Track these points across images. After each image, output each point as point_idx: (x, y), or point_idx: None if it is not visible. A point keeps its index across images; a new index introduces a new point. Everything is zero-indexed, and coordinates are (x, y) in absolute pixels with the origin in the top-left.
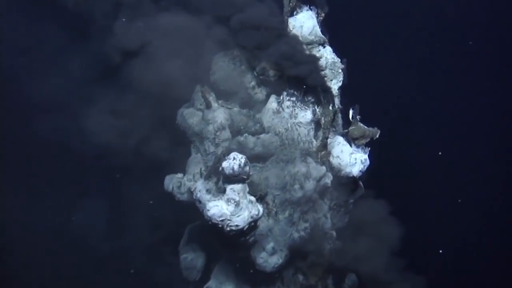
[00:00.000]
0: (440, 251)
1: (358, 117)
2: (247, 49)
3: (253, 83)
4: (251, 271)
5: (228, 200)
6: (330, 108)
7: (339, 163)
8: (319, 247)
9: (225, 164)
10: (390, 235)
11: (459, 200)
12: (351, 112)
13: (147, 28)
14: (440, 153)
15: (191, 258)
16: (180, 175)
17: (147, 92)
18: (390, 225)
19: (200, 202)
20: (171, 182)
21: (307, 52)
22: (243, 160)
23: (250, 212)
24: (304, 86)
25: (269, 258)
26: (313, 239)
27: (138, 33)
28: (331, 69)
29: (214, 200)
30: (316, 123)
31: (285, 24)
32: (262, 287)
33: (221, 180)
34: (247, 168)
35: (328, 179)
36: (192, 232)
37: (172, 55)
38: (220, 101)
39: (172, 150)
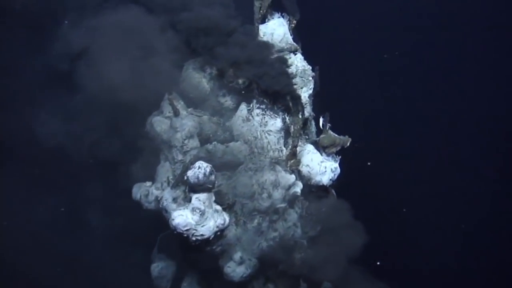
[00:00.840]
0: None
1: (328, 125)
2: (199, 52)
3: (223, 90)
4: (221, 281)
5: (193, 210)
6: (300, 116)
7: (309, 172)
8: (289, 256)
9: (190, 173)
10: (353, 242)
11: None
12: (321, 120)
13: (94, 30)
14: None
15: (162, 267)
16: (148, 183)
17: (96, 96)
18: (354, 232)
19: (166, 211)
20: (139, 190)
21: (277, 59)
22: (208, 169)
23: (216, 221)
24: (274, 94)
25: (237, 268)
26: (283, 248)
27: (83, 36)
28: (302, 77)
29: (179, 210)
30: (286, 131)
31: (255, 30)
32: None
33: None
34: (213, 177)
35: (298, 188)
36: (163, 241)
37: (119, 58)
38: (189, 109)
39: (130, 155)
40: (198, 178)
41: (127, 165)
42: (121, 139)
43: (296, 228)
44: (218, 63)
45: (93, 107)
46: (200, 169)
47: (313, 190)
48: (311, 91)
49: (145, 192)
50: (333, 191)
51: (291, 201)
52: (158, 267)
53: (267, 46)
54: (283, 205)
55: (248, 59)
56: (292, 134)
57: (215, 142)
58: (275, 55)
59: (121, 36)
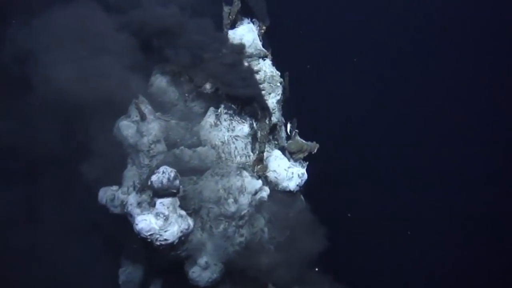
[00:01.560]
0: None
1: (296, 131)
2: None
3: (192, 95)
4: (187, 285)
5: (157, 214)
6: (267, 122)
7: (276, 177)
8: (256, 261)
9: (154, 177)
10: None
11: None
12: (289, 126)
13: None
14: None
15: (129, 272)
16: (115, 187)
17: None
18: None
19: (131, 215)
20: (105, 194)
21: (245, 65)
22: (172, 174)
23: (180, 226)
24: (241, 100)
25: (202, 273)
26: (249, 253)
27: (32, 35)
28: (270, 83)
29: (143, 214)
30: (254, 137)
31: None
32: None
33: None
34: (177, 182)
35: (265, 193)
36: (131, 245)
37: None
38: (157, 113)
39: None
40: (162, 182)
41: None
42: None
43: (263, 233)
44: (183, 67)
45: (44, 109)
46: (164, 174)
47: (280, 195)
48: (279, 97)
49: (111, 196)
50: (301, 196)
51: (258, 206)
52: (126, 271)
53: (235, 52)
54: (249, 210)
55: (215, 64)
56: (259, 140)
57: (182, 147)
58: (244, 61)
59: (73, 36)
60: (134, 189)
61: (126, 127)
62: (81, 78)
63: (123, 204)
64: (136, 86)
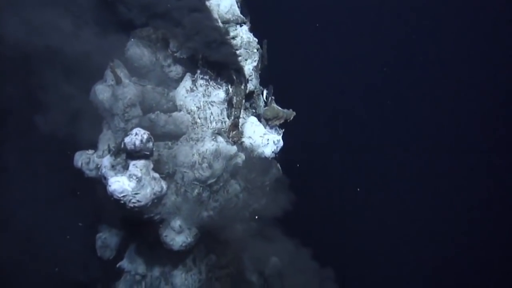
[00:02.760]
0: None
1: (272, 97)
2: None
3: (168, 61)
4: (162, 250)
5: (130, 176)
6: (243, 87)
7: (251, 143)
8: (231, 227)
9: (127, 139)
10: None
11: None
12: (265, 92)
13: None
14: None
15: (106, 237)
16: (90, 151)
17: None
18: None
19: (105, 178)
20: (81, 158)
21: (222, 30)
22: (145, 136)
23: (153, 189)
24: (217, 65)
25: (176, 237)
26: (223, 218)
27: None
28: (246, 49)
29: (116, 176)
30: (230, 103)
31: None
32: (172, 267)
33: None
34: (150, 144)
35: (240, 159)
36: (110, 213)
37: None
38: (133, 78)
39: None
40: (134, 144)
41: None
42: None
43: (237, 199)
44: (160, 32)
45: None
46: (137, 136)
47: (256, 162)
48: (255, 63)
49: (86, 159)
50: (278, 165)
51: (233, 172)
52: (102, 237)
53: (211, 16)
54: (224, 176)
55: (192, 29)
56: (234, 105)
57: (158, 112)
58: (220, 26)
59: None
60: (109, 152)
61: (102, 91)
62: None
63: (98, 168)
64: (111, 50)
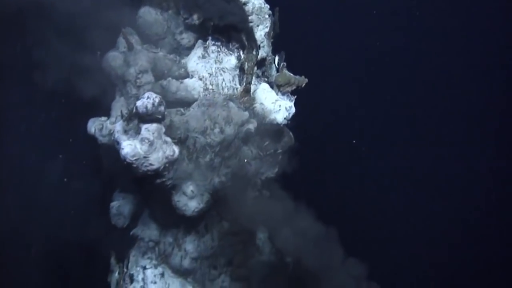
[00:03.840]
0: None
1: (283, 63)
2: None
3: (180, 28)
4: (175, 217)
5: (142, 140)
6: (254, 52)
7: (263, 109)
8: (243, 193)
9: (138, 103)
10: None
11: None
12: (276, 58)
13: None
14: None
15: (119, 205)
16: (103, 118)
17: None
18: None
19: (117, 143)
20: (94, 124)
21: None
22: (157, 99)
23: (165, 152)
24: (229, 31)
25: (188, 202)
26: (235, 184)
27: None
28: (258, 15)
29: (129, 140)
30: (242, 70)
31: None
32: (185, 233)
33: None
34: (162, 107)
35: (252, 125)
36: (124, 181)
37: None
38: (145, 45)
39: None
40: (146, 107)
41: None
42: None
43: (249, 166)
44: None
45: None
46: (149, 99)
47: (268, 129)
48: (267, 30)
49: (99, 126)
50: (290, 133)
51: (245, 138)
52: (116, 204)
53: None
54: (236, 142)
55: None
56: (246, 71)
57: (170, 78)
58: None
59: None
60: (121, 118)
61: (113, 58)
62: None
63: (111, 134)
64: (123, 18)
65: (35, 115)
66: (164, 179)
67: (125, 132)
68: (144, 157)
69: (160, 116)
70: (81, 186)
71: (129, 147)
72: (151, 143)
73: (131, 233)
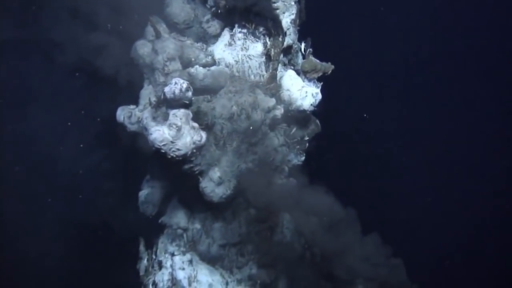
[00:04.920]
0: None
1: (310, 50)
2: None
3: (207, 17)
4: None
5: (170, 125)
6: (280, 39)
7: (289, 96)
8: (270, 180)
9: (166, 88)
10: None
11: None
12: (303, 45)
13: None
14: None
15: (148, 193)
16: (132, 106)
17: None
18: None
19: (146, 129)
20: (123, 112)
21: None
22: (184, 85)
23: (193, 137)
24: (255, 18)
25: (216, 188)
26: (262, 171)
27: None
28: (284, 2)
29: (157, 125)
30: (268, 57)
31: None
32: (212, 220)
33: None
34: (189, 93)
35: (278, 112)
36: (152, 168)
37: None
38: (172, 34)
39: None
40: (174, 93)
41: None
42: None
43: (276, 153)
44: None
45: None
46: (176, 85)
47: (295, 116)
48: (293, 17)
49: (128, 114)
50: (317, 121)
51: (271, 125)
52: (145, 193)
53: None
54: (263, 128)
55: None
56: (272, 57)
57: (197, 66)
58: None
59: None
60: (150, 105)
61: (142, 46)
62: None
63: (139, 121)
64: (151, 7)
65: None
66: (191, 165)
67: (154, 118)
68: (172, 142)
69: (187, 102)
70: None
71: (157, 133)
72: (179, 129)
73: (160, 220)
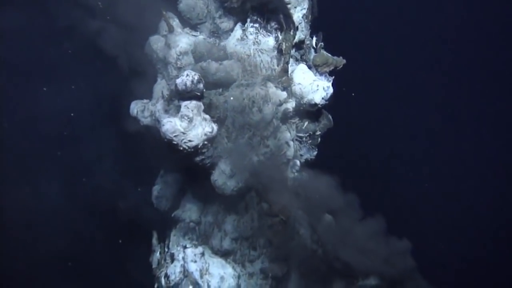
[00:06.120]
0: None
1: (321, 44)
2: None
3: (220, 12)
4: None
5: (181, 117)
6: (291, 33)
7: (301, 89)
8: (281, 174)
9: (178, 80)
10: None
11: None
12: (314, 39)
13: None
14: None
15: (161, 187)
16: (145, 100)
17: None
18: None
19: (158, 122)
20: (136, 106)
21: None
22: (196, 77)
23: (204, 129)
24: (267, 12)
25: (228, 181)
26: (274, 164)
27: None
28: None
29: (169, 117)
30: (280, 52)
31: None
32: (225, 214)
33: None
34: (201, 85)
35: (290, 105)
36: (166, 163)
37: None
38: (185, 29)
39: None
40: (186, 85)
41: None
42: None
43: (288, 146)
44: None
45: None
46: (188, 77)
47: (307, 110)
48: (305, 11)
49: (141, 107)
50: (329, 116)
51: (283, 118)
52: (158, 188)
53: None
54: (274, 122)
55: None
56: (283, 51)
57: (209, 60)
58: None
59: None
60: (162, 98)
61: (155, 41)
62: None
63: (152, 115)
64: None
65: None
66: (203, 157)
67: (166, 111)
68: (184, 133)
69: (199, 94)
70: None
71: (169, 124)
72: (190, 120)
73: (173, 215)
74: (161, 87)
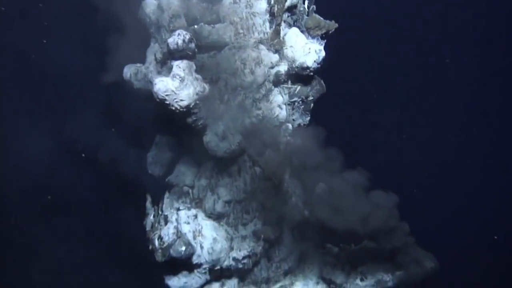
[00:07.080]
0: None
1: (313, 6)
2: None
3: None
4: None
5: (173, 76)
6: None
7: (293, 52)
8: (274, 137)
9: (170, 40)
10: None
11: None
12: (306, 2)
13: None
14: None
15: (156, 153)
16: (139, 64)
17: None
18: None
19: (151, 82)
20: (129, 70)
21: None
22: (187, 36)
23: (196, 88)
24: None
25: (220, 143)
26: (266, 127)
27: None
28: None
29: (161, 77)
30: (272, 15)
31: None
32: (218, 177)
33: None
34: (192, 44)
35: (282, 68)
36: (161, 132)
37: None
38: None
39: None
40: (177, 44)
41: None
42: None
43: (280, 109)
44: None
45: None
46: (179, 36)
47: (299, 73)
48: None
49: (134, 71)
50: (322, 81)
51: (275, 81)
52: (152, 154)
53: None
54: (267, 85)
55: None
56: (275, 14)
57: (202, 23)
58: None
59: None
60: (155, 60)
61: (148, 5)
62: None
63: (145, 78)
64: None
65: None
66: (195, 118)
67: (159, 73)
68: (175, 92)
69: (190, 53)
70: None
71: (161, 83)
72: (182, 79)
73: (167, 179)
74: (154, 51)
